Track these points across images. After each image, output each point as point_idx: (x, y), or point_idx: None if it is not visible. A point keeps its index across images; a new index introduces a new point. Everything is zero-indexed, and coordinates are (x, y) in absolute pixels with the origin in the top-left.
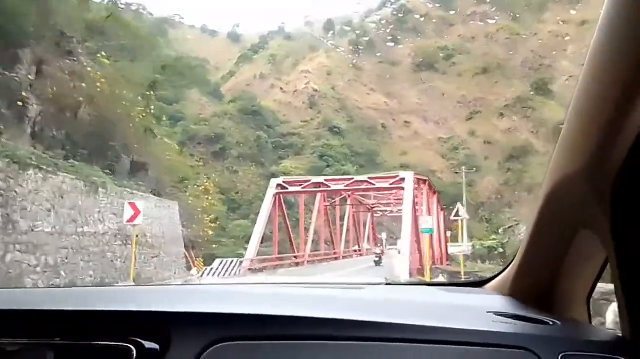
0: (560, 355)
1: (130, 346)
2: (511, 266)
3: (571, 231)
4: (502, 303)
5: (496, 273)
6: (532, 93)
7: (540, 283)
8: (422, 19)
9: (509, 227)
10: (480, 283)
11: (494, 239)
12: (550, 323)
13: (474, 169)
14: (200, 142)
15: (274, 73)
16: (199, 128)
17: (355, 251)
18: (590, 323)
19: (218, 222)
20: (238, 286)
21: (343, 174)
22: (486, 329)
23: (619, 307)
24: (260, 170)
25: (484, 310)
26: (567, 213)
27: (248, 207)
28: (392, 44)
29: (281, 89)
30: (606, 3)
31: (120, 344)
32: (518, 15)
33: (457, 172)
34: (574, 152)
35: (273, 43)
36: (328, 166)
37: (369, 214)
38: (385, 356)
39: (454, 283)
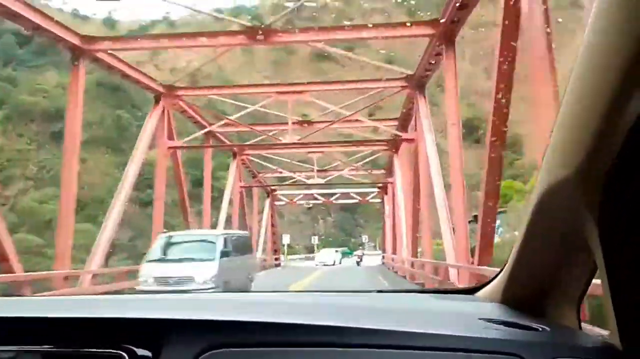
0: None
1: (123, 354)
2: (502, 272)
3: (561, 237)
4: (493, 310)
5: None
6: (436, 88)
7: (531, 290)
8: (319, 9)
9: None
10: (471, 290)
11: None
12: (540, 329)
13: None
14: (33, 119)
15: (153, 55)
16: (34, 100)
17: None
18: (580, 328)
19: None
20: (232, 294)
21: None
22: (477, 335)
23: (607, 313)
24: (117, 158)
25: (475, 317)
26: (557, 220)
27: (97, 206)
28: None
29: (156, 66)
30: (592, 18)
31: (113, 351)
32: (419, 12)
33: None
34: (562, 159)
35: (155, 30)
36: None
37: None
38: None
39: (446, 290)
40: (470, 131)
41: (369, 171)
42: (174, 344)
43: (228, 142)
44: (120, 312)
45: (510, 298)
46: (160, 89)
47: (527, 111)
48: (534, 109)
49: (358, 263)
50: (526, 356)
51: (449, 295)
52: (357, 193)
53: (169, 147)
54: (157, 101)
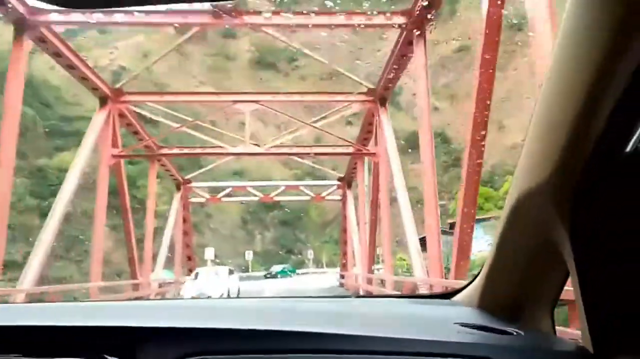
0: None
1: None
2: (478, 277)
3: (534, 244)
4: (468, 315)
5: (464, 284)
6: None
7: (506, 295)
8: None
9: None
10: (448, 295)
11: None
12: (515, 334)
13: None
14: None
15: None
16: None
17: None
18: (554, 333)
19: None
20: (208, 300)
21: None
22: (452, 340)
23: (580, 319)
24: (19, 163)
25: (451, 321)
26: (530, 227)
27: None
28: (228, 38)
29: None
30: (565, 19)
31: None
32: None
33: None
34: (534, 167)
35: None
36: (130, 163)
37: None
38: None
39: (423, 295)
40: (414, 145)
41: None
42: (150, 352)
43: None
44: (94, 320)
45: (486, 302)
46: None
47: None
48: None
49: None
50: None
51: (426, 300)
52: (308, 188)
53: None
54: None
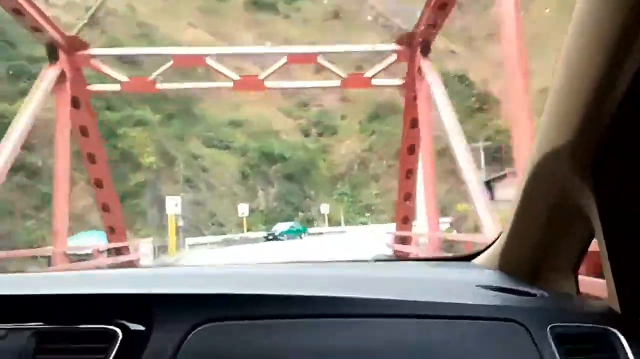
0: (549, 326)
1: (116, 329)
2: (499, 239)
3: (556, 204)
4: (490, 277)
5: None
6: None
7: (527, 257)
8: None
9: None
10: (467, 257)
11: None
12: (538, 295)
13: (332, 130)
14: None
15: None
16: None
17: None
18: (578, 294)
19: None
20: (222, 267)
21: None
22: (474, 302)
23: (607, 279)
24: None
25: (472, 284)
26: (553, 188)
27: None
28: None
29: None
30: None
31: (106, 327)
32: None
33: (306, 136)
34: (556, 128)
35: None
36: (109, 109)
37: None
38: (374, 332)
39: (442, 258)
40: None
41: None
42: (167, 319)
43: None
44: (111, 287)
45: (507, 264)
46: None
47: None
48: None
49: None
50: (524, 322)
51: (446, 263)
52: (335, 60)
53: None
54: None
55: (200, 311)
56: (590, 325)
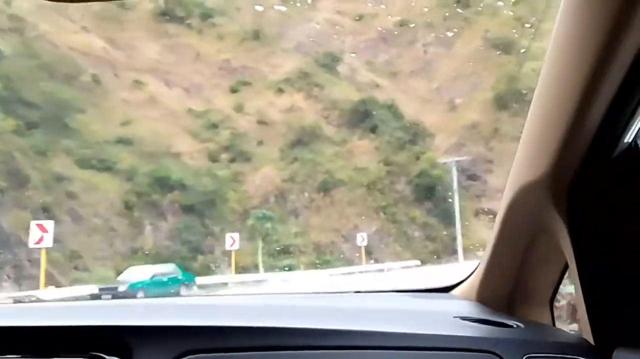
0: (524, 357)
1: None
2: (476, 271)
3: (531, 236)
4: (468, 308)
5: (462, 278)
6: (319, 68)
7: (504, 288)
8: None
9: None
10: (446, 289)
11: None
12: (514, 326)
13: (246, 156)
14: None
15: None
16: None
17: None
18: (554, 325)
19: None
20: (203, 298)
21: None
22: (452, 333)
23: (579, 309)
24: None
25: (451, 315)
26: (527, 219)
27: None
28: None
29: None
30: (559, 14)
31: None
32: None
33: (214, 161)
34: (531, 161)
35: None
36: None
37: None
38: None
39: (421, 289)
40: (361, 117)
41: None
42: (146, 351)
43: None
44: (88, 319)
45: (484, 295)
46: None
47: None
48: None
49: None
50: (501, 353)
51: (425, 294)
52: None
53: None
54: None
55: (179, 343)
56: (564, 356)
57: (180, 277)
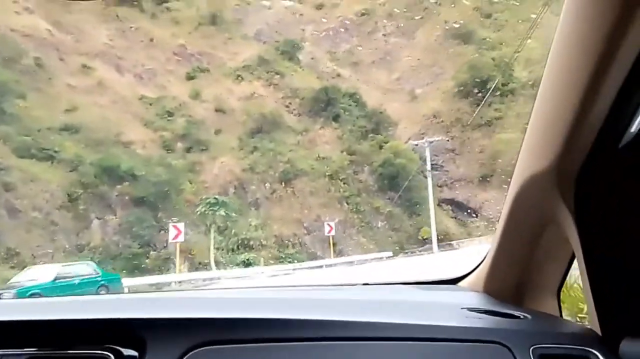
0: (531, 348)
1: (109, 354)
2: (483, 262)
3: (538, 227)
4: (475, 299)
5: (469, 270)
6: (279, 55)
7: (511, 279)
8: None
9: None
10: (454, 280)
11: None
12: (522, 317)
13: (203, 146)
14: None
15: None
16: None
17: None
18: (561, 316)
19: None
20: (214, 291)
21: None
22: (460, 325)
23: (586, 300)
24: None
25: (458, 306)
26: (534, 210)
27: None
28: None
29: None
30: (564, 8)
31: (98, 352)
32: None
33: (169, 151)
34: (537, 152)
35: None
36: None
37: None
38: (364, 354)
39: (429, 281)
40: (324, 106)
41: None
42: (160, 344)
43: None
44: (102, 313)
45: (491, 287)
46: None
47: None
48: None
49: None
50: (509, 344)
51: (432, 286)
52: None
53: None
54: None
55: (193, 335)
56: (571, 346)
57: (99, 278)
